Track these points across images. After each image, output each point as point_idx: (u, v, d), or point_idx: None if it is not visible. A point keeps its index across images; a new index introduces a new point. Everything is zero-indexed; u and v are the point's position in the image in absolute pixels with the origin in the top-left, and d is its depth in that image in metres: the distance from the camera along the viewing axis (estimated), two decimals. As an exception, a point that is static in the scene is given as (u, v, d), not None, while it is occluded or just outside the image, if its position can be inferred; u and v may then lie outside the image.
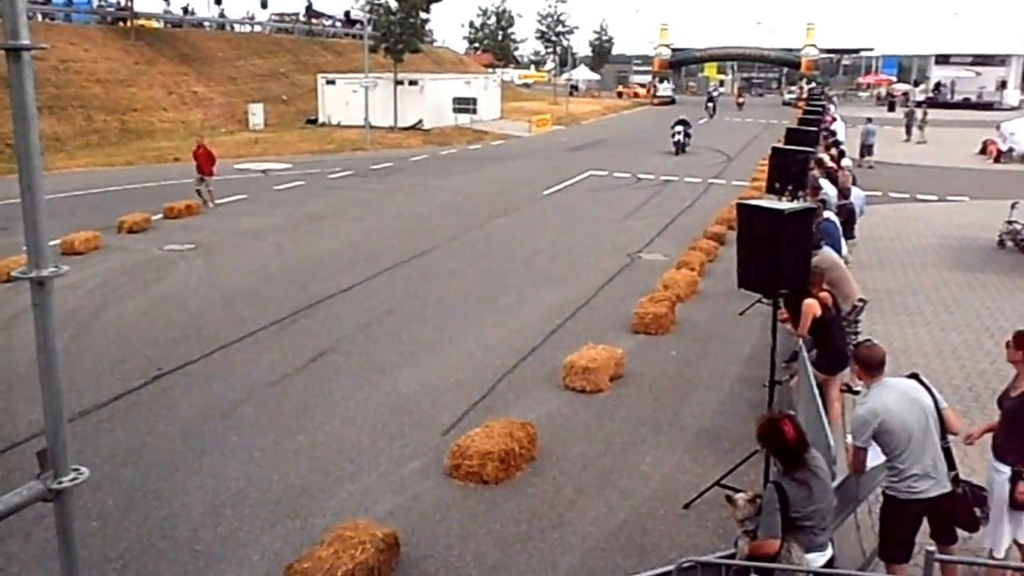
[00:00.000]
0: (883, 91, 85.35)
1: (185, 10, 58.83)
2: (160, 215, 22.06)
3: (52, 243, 3.63)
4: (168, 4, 56.07)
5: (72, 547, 3.79)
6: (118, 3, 51.47)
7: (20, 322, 13.09)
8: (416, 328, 13.51)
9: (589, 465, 8.94)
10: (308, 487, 8.45)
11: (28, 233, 3.48)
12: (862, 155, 33.17)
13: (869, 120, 36.04)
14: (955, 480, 6.13)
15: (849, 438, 6.25)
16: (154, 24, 53.59)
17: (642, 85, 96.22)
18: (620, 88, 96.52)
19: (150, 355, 12.11)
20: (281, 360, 11.99)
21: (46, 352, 3.58)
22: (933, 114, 51.01)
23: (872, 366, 6.14)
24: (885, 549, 6.24)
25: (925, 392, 6.07)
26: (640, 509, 8.08)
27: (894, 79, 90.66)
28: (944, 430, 6.07)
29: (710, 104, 64.56)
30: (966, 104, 75.80)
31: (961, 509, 6.17)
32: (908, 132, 44.17)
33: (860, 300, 10.57)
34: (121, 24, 49.66)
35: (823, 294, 9.05)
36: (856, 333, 10.24)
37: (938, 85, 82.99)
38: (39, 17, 45.61)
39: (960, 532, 6.29)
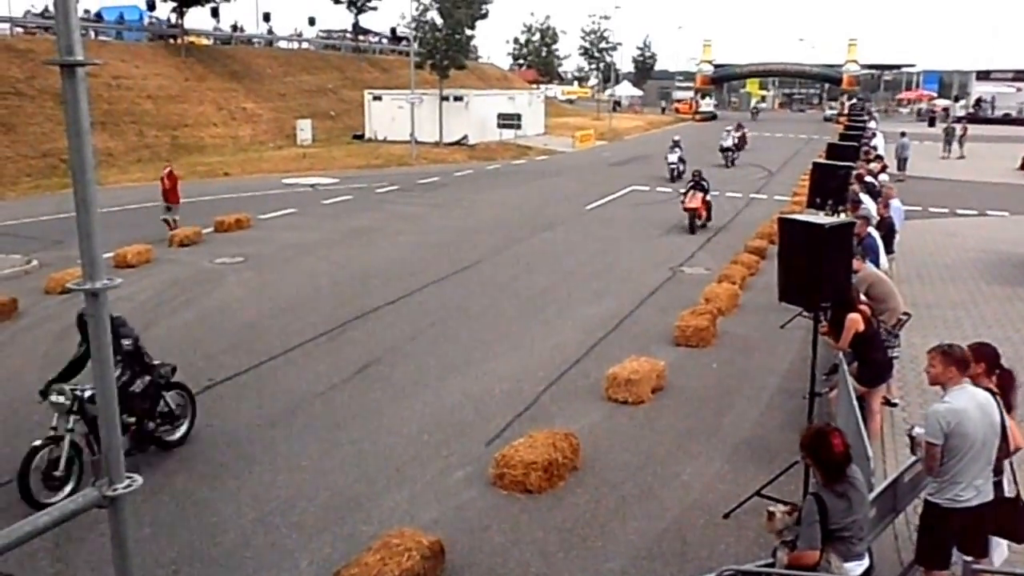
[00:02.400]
0: (924, 107, 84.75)
1: (234, 27, 59.69)
2: (211, 228, 22.46)
3: (105, 256, 3.72)
4: (218, 21, 56.97)
5: (126, 553, 3.80)
6: (168, 21, 52.36)
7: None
8: (461, 340, 13.64)
9: (631, 475, 8.99)
10: (355, 495, 8.58)
11: (83, 246, 3.49)
12: (899, 168, 33.68)
13: (903, 134, 36.51)
14: (1017, 495, 6.19)
15: (918, 430, 6.20)
16: (204, 41, 54.59)
17: (679, 100, 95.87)
18: (675, 104, 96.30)
19: (201, 366, 12.34)
20: (328, 371, 12.18)
21: (100, 362, 3.60)
22: (974, 129, 50.62)
23: (957, 361, 6.03)
24: (924, 555, 6.26)
25: (997, 410, 6.05)
26: (681, 518, 8.12)
27: (935, 95, 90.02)
28: (1006, 446, 6.10)
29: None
30: (1007, 120, 75.30)
31: (1013, 520, 6.21)
32: (947, 147, 43.91)
33: (904, 314, 10.53)
34: (171, 41, 50.55)
35: (862, 307, 9.05)
36: (895, 347, 10.19)
37: (979, 101, 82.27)
38: (92, 35, 46.59)
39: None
